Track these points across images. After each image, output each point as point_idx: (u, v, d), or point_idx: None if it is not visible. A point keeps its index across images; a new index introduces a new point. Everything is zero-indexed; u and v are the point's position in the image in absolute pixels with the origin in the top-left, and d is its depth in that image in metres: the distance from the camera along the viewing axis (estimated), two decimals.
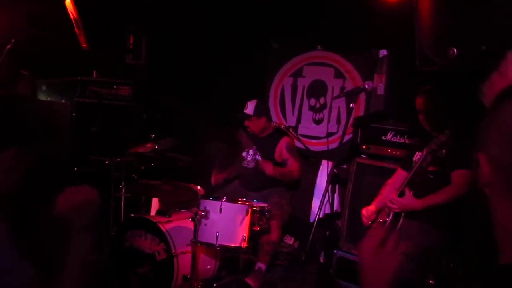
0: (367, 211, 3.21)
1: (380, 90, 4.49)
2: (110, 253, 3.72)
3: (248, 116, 4.23)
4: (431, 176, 3.00)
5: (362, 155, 4.12)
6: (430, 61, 2.50)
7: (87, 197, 1.35)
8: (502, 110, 0.96)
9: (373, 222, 3.18)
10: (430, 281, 3.51)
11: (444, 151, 2.79)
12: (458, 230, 3.27)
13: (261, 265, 3.98)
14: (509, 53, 1.00)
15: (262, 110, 4.31)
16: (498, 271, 0.96)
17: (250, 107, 4.23)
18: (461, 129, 2.98)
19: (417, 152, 3.23)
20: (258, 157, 4.18)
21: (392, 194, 3.06)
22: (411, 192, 2.96)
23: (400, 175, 3.34)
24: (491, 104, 1.00)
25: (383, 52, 4.49)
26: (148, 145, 3.83)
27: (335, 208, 4.23)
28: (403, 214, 3.02)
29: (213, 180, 4.35)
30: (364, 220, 3.21)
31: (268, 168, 4.03)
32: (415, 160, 3.21)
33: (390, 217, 3.04)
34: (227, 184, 4.42)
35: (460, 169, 2.92)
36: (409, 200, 2.95)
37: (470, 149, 2.88)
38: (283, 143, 4.26)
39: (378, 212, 3.22)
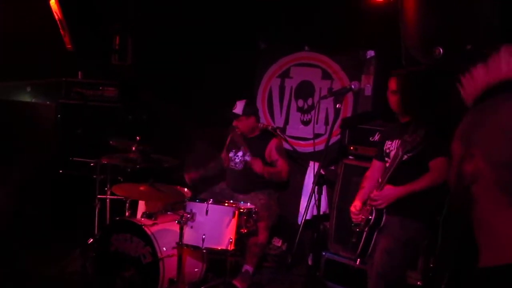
0: (355, 207, 3.19)
1: (368, 91, 4.49)
2: (95, 256, 3.66)
3: (237, 116, 4.20)
4: (408, 164, 2.96)
5: (350, 156, 4.11)
6: (416, 61, 2.49)
7: None
8: (502, 107, 0.94)
9: (356, 225, 3.16)
10: (418, 283, 3.51)
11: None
12: (437, 223, 3.28)
13: (248, 267, 3.95)
14: (503, 47, 0.98)
15: (251, 110, 4.28)
16: (477, 275, 0.93)
17: (239, 107, 4.20)
18: (435, 116, 2.99)
19: (387, 141, 3.22)
20: (248, 158, 4.15)
21: (372, 192, 3.03)
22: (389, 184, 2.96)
23: (376, 166, 3.34)
24: (476, 98, 0.99)
25: (371, 53, 4.48)
26: (134, 146, 3.78)
27: (323, 209, 4.22)
28: (384, 210, 3.00)
29: (187, 179, 4.33)
30: (354, 217, 3.18)
31: (258, 166, 4.00)
32: (385, 149, 3.20)
33: (373, 215, 3.02)
34: (213, 185, 4.38)
35: (437, 157, 2.91)
36: (390, 191, 2.93)
37: (445, 138, 2.88)
38: (272, 144, 4.24)
39: (364, 204, 3.22)
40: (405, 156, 2.83)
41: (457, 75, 1.03)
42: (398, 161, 2.88)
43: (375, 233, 3.02)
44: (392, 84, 3.13)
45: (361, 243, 3.05)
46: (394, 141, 3.13)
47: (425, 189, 2.92)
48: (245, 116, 4.20)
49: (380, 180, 3.07)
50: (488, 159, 0.93)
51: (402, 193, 2.93)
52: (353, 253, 3.17)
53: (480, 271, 0.94)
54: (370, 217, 3.03)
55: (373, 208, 3.03)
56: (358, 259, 3.09)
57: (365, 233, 3.05)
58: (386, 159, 3.18)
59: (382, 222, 3.00)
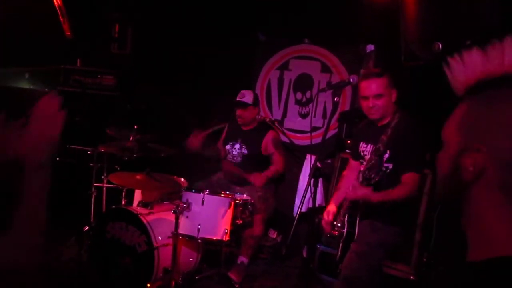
0: (328, 215, 3.09)
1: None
2: (91, 244, 3.67)
3: (246, 105, 4.17)
4: (384, 172, 2.90)
5: (347, 150, 4.11)
6: (415, 56, 2.49)
7: (44, 135, 1.31)
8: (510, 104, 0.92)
9: (333, 226, 3.08)
10: (412, 277, 3.53)
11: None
12: (412, 225, 3.24)
13: (243, 259, 3.97)
14: (508, 38, 0.94)
15: (258, 101, 4.32)
16: (465, 269, 0.93)
17: (248, 96, 4.18)
18: (405, 120, 2.87)
19: (361, 142, 3.13)
20: (244, 151, 4.15)
21: (356, 182, 2.89)
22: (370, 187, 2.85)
23: (353, 165, 3.28)
24: (472, 86, 0.96)
25: (370, 47, 4.48)
26: (131, 135, 3.78)
27: (318, 202, 4.23)
28: (358, 217, 2.94)
29: (190, 142, 4.22)
30: (325, 226, 3.08)
31: (259, 181, 4.03)
32: (360, 151, 3.12)
33: (345, 229, 2.96)
34: (210, 176, 4.38)
35: (409, 172, 2.83)
36: (369, 192, 2.79)
37: (420, 147, 2.82)
38: (269, 137, 4.23)
39: (338, 211, 3.12)
40: (377, 178, 2.74)
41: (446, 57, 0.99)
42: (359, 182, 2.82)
43: (351, 244, 2.95)
44: (366, 87, 2.94)
45: (339, 251, 2.99)
46: (369, 145, 3.05)
47: (397, 200, 2.82)
48: (253, 105, 4.19)
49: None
50: (493, 158, 0.91)
51: (376, 200, 2.80)
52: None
53: (469, 265, 0.94)
54: (342, 230, 2.96)
55: (346, 221, 2.96)
56: (339, 265, 3.06)
57: (341, 244, 2.99)
58: (361, 161, 3.10)
59: (356, 236, 2.91)
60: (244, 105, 4.16)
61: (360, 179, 2.79)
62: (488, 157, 0.91)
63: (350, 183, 3.09)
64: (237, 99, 4.18)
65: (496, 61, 0.93)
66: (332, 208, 3.16)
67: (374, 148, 2.88)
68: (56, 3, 4.57)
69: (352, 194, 2.86)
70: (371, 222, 2.94)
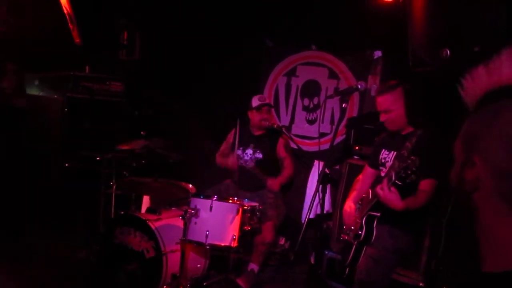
0: (350, 208, 3.18)
1: (374, 91, 4.48)
2: (99, 249, 3.69)
3: (269, 106, 4.34)
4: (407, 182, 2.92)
5: (355, 156, 4.11)
6: (423, 62, 2.48)
7: None
8: (503, 114, 0.93)
9: (345, 232, 3.13)
10: (421, 284, 3.50)
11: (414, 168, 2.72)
12: (423, 234, 3.27)
13: (254, 266, 3.96)
14: (505, 51, 0.97)
15: None
16: (480, 279, 0.93)
17: (268, 99, 4.40)
18: (430, 131, 2.93)
19: (383, 150, 3.18)
20: (258, 155, 4.18)
21: (383, 183, 2.90)
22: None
23: (368, 172, 3.32)
24: (478, 100, 0.98)
25: (378, 53, 4.48)
26: (139, 141, 3.80)
27: (326, 208, 4.22)
28: (375, 225, 2.97)
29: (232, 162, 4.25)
30: (347, 218, 3.16)
31: (276, 185, 4.12)
32: (381, 158, 3.16)
33: (363, 231, 2.99)
34: (218, 183, 4.39)
35: (428, 178, 2.87)
36: (395, 196, 2.80)
37: (438, 156, 2.81)
38: (281, 141, 4.31)
39: (348, 216, 3.20)
40: (398, 182, 2.74)
41: (460, 79, 1.02)
42: (390, 184, 2.81)
43: (365, 247, 2.99)
44: (382, 102, 3.03)
45: (351, 254, 3.02)
46: (391, 152, 3.09)
47: (417, 208, 2.87)
48: (273, 108, 4.33)
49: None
50: (488, 167, 0.92)
51: (400, 207, 2.80)
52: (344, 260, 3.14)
53: (484, 276, 0.94)
54: (360, 232, 2.99)
55: (363, 223, 2.99)
56: (347, 269, 3.07)
57: (354, 245, 3.02)
58: (381, 168, 3.13)
59: (373, 239, 2.95)
60: (268, 105, 4.30)
61: (394, 177, 2.75)
62: (484, 168, 0.93)
63: (365, 186, 3.12)
64: (265, 101, 4.30)
65: (496, 74, 0.96)
66: (351, 204, 3.21)
67: (397, 154, 2.90)
68: (65, 11, 4.62)
69: (381, 194, 2.84)
70: (390, 228, 2.97)
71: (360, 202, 3.22)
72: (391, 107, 3.01)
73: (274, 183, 4.12)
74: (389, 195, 2.81)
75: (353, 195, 3.28)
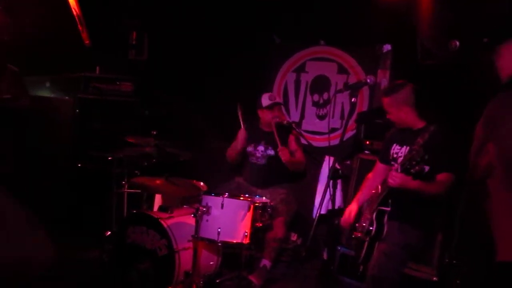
0: (351, 213, 3.17)
1: (384, 86, 4.46)
2: (112, 248, 3.72)
3: (279, 104, 4.34)
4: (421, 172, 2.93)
5: (365, 151, 4.09)
6: (432, 55, 2.46)
7: None
8: None
9: (353, 225, 3.13)
10: (434, 278, 3.48)
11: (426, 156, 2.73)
12: (435, 229, 3.26)
13: (266, 262, 3.97)
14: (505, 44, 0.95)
15: None
16: (495, 269, 0.92)
17: (278, 98, 4.39)
18: (442, 126, 2.94)
19: (395, 145, 3.18)
20: (270, 152, 4.17)
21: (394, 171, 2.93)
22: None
23: (379, 168, 3.31)
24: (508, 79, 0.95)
25: (387, 47, 4.46)
26: (150, 141, 3.82)
27: (338, 204, 4.21)
28: (386, 220, 2.97)
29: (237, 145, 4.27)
30: (344, 224, 3.20)
31: (285, 154, 4.05)
32: (392, 153, 3.16)
33: (373, 226, 2.98)
34: (229, 181, 4.39)
35: (445, 172, 2.89)
36: (407, 178, 2.86)
37: (453, 150, 2.86)
38: (292, 136, 4.31)
39: (359, 213, 3.18)
40: (417, 167, 2.77)
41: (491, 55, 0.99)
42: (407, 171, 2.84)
43: (377, 243, 2.99)
44: (383, 104, 3.15)
45: (363, 251, 3.03)
46: (403, 147, 3.10)
47: (428, 196, 2.90)
48: (282, 105, 4.35)
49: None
50: (501, 156, 0.92)
51: (413, 186, 2.87)
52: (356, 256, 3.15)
53: (498, 265, 0.93)
54: (371, 228, 2.99)
55: (374, 218, 3.00)
56: (361, 266, 3.07)
57: (366, 242, 3.02)
58: (393, 163, 3.11)
59: (384, 234, 2.96)
60: (278, 104, 4.30)
61: (399, 169, 2.83)
62: (497, 156, 0.92)
63: (375, 184, 3.10)
64: (276, 101, 4.29)
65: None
66: (354, 207, 3.19)
67: (409, 149, 2.89)
68: (74, 13, 4.66)
69: (391, 181, 2.88)
70: (400, 224, 2.97)
71: (368, 200, 3.20)
72: (389, 110, 3.12)
73: (285, 152, 4.07)
74: (397, 179, 2.83)
75: (359, 195, 3.28)
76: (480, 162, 0.96)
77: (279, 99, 4.37)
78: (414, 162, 2.69)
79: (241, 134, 4.23)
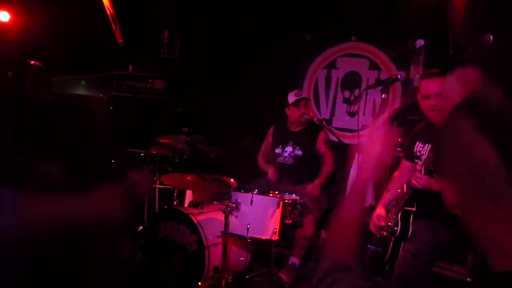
0: (379, 218, 3.11)
1: (417, 82, 4.37)
2: (144, 243, 3.79)
3: (308, 99, 4.33)
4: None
5: (397, 148, 4.02)
6: (464, 49, 2.41)
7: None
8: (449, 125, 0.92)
9: (382, 228, 3.07)
10: (468, 279, 3.40)
11: None
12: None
13: (295, 260, 3.96)
14: (456, 70, 0.94)
15: None
16: (492, 280, 0.89)
17: (307, 93, 4.39)
18: None
19: (418, 143, 3.09)
20: (298, 152, 4.16)
21: (418, 173, 2.87)
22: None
23: (405, 167, 3.23)
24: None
25: (420, 42, 4.37)
26: (182, 137, 3.87)
27: (369, 202, 4.16)
28: (411, 219, 2.91)
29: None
30: (373, 229, 3.12)
31: (316, 191, 4.07)
32: (416, 151, 3.08)
33: (398, 226, 2.93)
34: (259, 178, 4.40)
35: None
36: (430, 180, 2.76)
37: None
38: (321, 137, 4.25)
39: (387, 213, 3.12)
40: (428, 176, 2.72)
41: None
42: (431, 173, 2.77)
43: (402, 243, 2.93)
44: (431, 87, 2.88)
45: (389, 250, 2.98)
46: (426, 145, 3.02)
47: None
48: (309, 101, 4.33)
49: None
50: (450, 179, 0.91)
51: (436, 188, 2.74)
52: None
53: (497, 276, 0.90)
54: (396, 228, 2.94)
55: (399, 219, 2.94)
56: (388, 265, 3.02)
57: (391, 242, 2.97)
58: (417, 161, 3.06)
59: (409, 234, 2.90)
60: (306, 100, 4.26)
61: (424, 171, 2.75)
62: (454, 182, 0.91)
63: (400, 184, 3.04)
64: (302, 96, 4.25)
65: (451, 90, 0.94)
66: (381, 212, 3.13)
67: (431, 147, 2.83)
68: (108, 12, 4.76)
69: (415, 183, 2.82)
70: (427, 222, 2.90)
71: (394, 200, 3.15)
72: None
73: (314, 189, 4.07)
74: (421, 181, 2.77)
75: (385, 196, 3.22)
76: (446, 201, 0.96)
77: (307, 95, 4.33)
78: None
79: (272, 170, 4.27)
